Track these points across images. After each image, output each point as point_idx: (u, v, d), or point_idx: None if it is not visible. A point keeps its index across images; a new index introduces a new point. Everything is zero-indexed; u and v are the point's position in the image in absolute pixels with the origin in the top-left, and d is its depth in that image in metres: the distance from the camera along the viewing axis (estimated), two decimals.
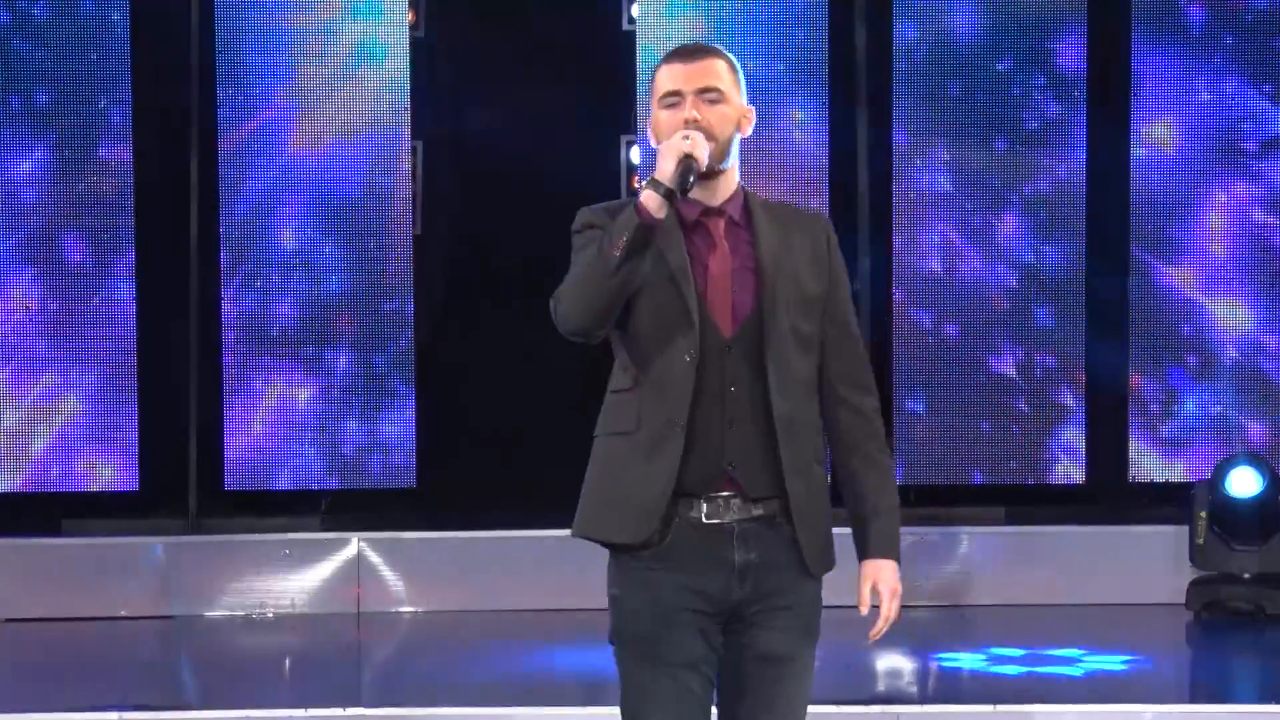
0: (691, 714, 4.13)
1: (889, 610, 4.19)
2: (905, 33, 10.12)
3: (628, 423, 4.13)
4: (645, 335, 4.13)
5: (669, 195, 4.03)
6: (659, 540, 4.11)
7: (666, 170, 4.04)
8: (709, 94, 4.17)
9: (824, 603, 4.24)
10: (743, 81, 4.24)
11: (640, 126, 10.09)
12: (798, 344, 4.16)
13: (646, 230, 4.02)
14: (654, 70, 4.25)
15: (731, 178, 4.22)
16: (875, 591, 4.19)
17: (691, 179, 4.06)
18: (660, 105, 4.20)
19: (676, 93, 4.17)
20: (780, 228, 4.22)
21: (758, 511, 4.13)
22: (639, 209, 4.02)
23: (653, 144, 4.21)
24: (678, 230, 4.14)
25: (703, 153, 4.08)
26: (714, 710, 4.22)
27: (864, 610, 4.20)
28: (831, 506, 4.22)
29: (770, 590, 4.14)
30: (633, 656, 4.15)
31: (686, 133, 4.08)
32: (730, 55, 4.25)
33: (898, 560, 4.22)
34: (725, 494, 4.12)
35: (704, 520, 4.11)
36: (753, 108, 4.26)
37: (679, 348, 4.11)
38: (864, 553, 4.22)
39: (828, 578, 4.23)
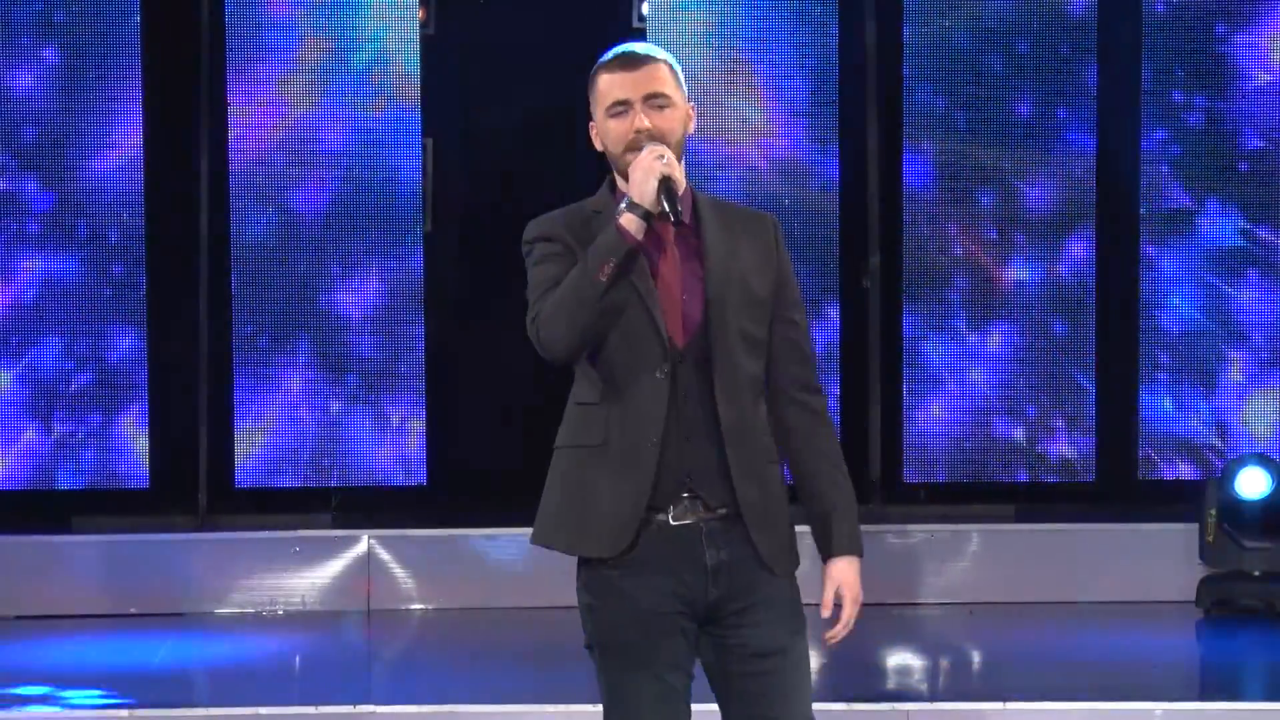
0: (677, 713, 4.13)
1: (849, 614, 4.20)
2: (916, 31, 10.11)
3: (595, 436, 4.14)
4: (611, 348, 4.10)
5: (647, 217, 4.02)
6: (629, 549, 4.12)
7: (647, 192, 4.02)
8: (656, 99, 4.15)
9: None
10: (683, 81, 4.22)
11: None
12: (746, 348, 4.14)
13: (633, 253, 4.01)
14: (592, 76, 4.22)
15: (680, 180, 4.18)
16: (838, 595, 4.19)
17: (677, 202, 4.03)
18: (607, 114, 4.17)
19: (624, 101, 4.15)
20: (727, 229, 4.19)
21: (721, 511, 4.12)
22: (620, 231, 4.01)
23: (598, 147, 4.20)
24: None
25: (679, 172, 4.07)
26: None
27: (825, 613, 4.20)
28: (789, 505, 4.21)
29: (743, 588, 4.14)
30: (615, 663, 4.15)
31: (661, 151, 4.06)
32: (669, 56, 4.23)
33: (860, 555, 4.22)
34: (687, 498, 4.12)
35: (671, 522, 4.11)
36: (693, 105, 4.25)
37: (648, 364, 4.09)
38: (827, 552, 4.21)
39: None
